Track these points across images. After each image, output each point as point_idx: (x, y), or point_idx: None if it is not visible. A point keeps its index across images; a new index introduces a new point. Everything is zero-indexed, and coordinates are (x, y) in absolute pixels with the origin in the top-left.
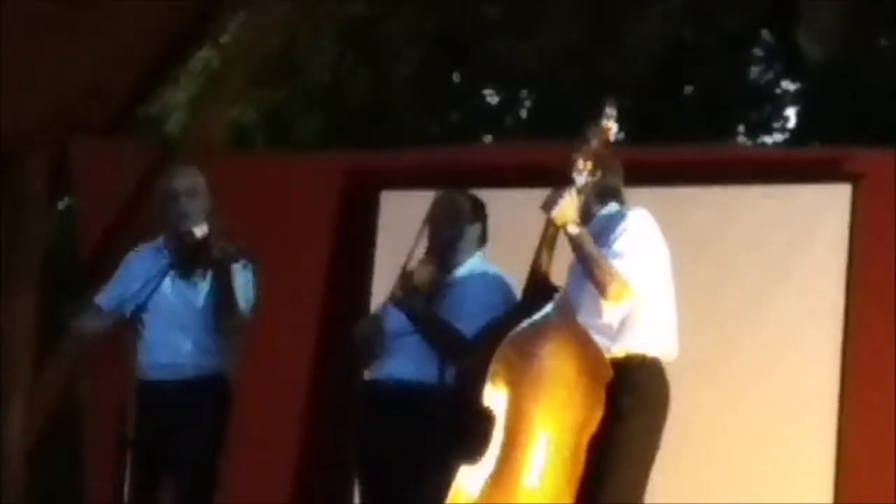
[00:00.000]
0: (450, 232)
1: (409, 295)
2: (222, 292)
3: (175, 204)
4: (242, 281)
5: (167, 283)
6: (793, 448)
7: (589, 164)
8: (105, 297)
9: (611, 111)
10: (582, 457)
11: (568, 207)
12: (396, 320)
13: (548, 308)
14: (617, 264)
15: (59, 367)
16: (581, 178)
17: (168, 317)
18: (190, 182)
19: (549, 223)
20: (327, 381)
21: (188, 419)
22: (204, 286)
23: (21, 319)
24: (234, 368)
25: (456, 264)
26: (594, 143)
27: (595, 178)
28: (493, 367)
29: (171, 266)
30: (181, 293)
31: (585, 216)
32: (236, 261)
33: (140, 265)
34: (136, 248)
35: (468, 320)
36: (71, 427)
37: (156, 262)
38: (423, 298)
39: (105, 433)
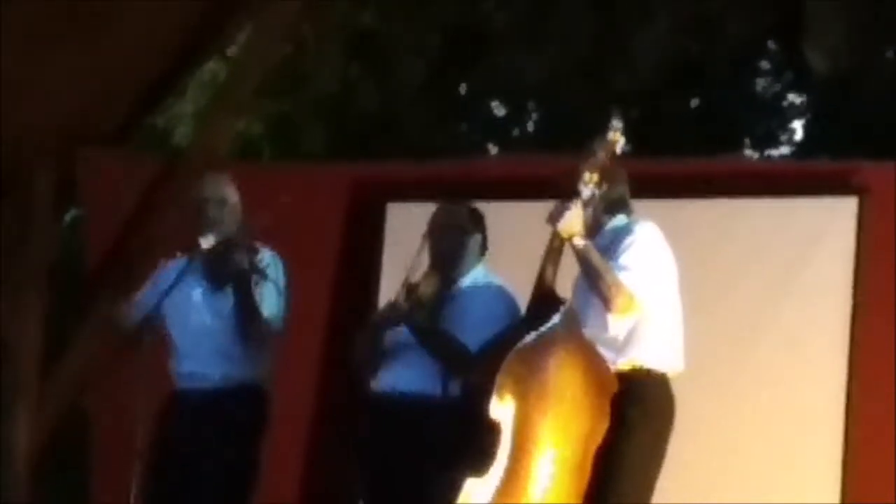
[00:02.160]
0: (450, 244)
1: (413, 308)
2: (242, 303)
3: (202, 213)
4: (268, 291)
5: (197, 292)
6: (799, 457)
7: (595, 177)
8: (136, 303)
9: (617, 123)
10: (588, 469)
11: (574, 220)
12: (400, 333)
13: (554, 320)
14: (623, 277)
15: (66, 378)
16: (587, 191)
17: (196, 326)
18: (219, 191)
19: (555, 236)
20: (332, 393)
21: (216, 429)
22: (231, 297)
23: (27, 330)
24: (268, 378)
25: (458, 276)
26: (601, 156)
27: (602, 191)
28: (500, 379)
29: (202, 276)
30: (210, 303)
31: (594, 228)
32: (257, 271)
33: (171, 271)
34: (172, 256)
35: (471, 332)
36: (77, 438)
37: (180, 269)
38: (427, 311)
39: (113, 444)
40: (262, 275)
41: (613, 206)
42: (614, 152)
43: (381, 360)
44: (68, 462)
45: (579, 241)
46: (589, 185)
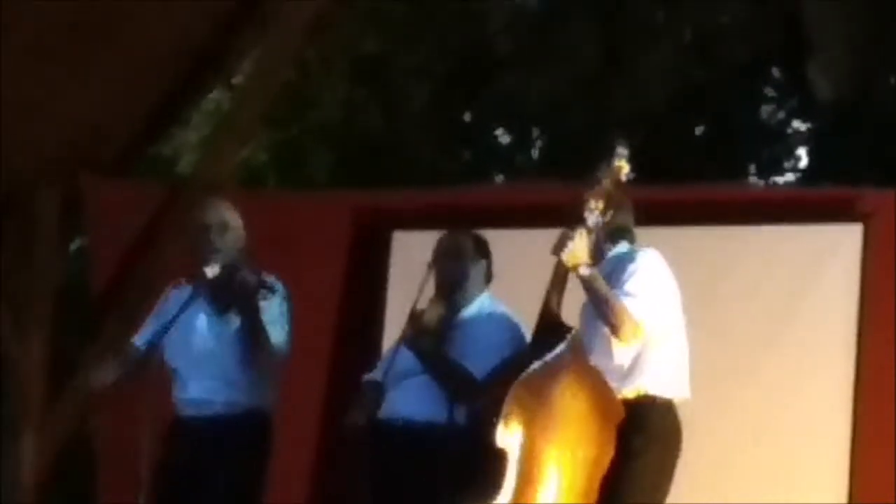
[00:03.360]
0: (455, 272)
1: (419, 335)
2: (247, 328)
3: (204, 238)
4: (273, 315)
5: (201, 318)
6: (807, 479)
7: (601, 204)
8: (140, 335)
9: (623, 150)
10: (594, 497)
11: (578, 249)
12: (406, 360)
13: (560, 348)
14: (628, 304)
15: (72, 403)
16: (592, 218)
17: (200, 352)
18: (221, 216)
19: (560, 264)
20: (337, 420)
21: (220, 456)
22: (235, 322)
23: (33, 356)
24: (273, 404)
25: (464, 303)
26: (606, 183)
27: (606, 218)
28: (507, 407)
29: (205, 302)
30: (213, 329)
31: (596, 256)
32: (259, 295)
33: (174, 300)
34: (176, 283)
35: (476, 360)
36: (82, 462)
37: (185, 297)
38: (433, 338)
39: (117, 471)
40: (267, 300)
41: (616, 234)
42: (620, 179)
43: (386, 388)
44: (73, 489)
45: (585, 271)
46: (595, 212)
